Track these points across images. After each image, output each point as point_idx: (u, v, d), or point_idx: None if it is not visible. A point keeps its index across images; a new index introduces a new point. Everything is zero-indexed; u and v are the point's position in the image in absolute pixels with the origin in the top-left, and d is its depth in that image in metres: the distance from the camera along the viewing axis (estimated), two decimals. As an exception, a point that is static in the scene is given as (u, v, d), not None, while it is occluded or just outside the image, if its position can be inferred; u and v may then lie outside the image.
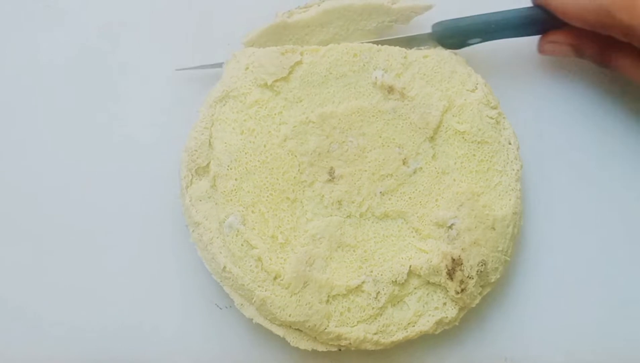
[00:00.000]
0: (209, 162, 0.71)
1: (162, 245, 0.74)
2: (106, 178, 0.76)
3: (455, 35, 0.74)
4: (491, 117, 0.73)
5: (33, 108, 0.77)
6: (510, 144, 0.73)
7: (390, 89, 0.72)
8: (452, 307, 0.70)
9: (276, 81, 0.72)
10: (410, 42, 0.75)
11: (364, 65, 0.73)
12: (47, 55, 0.78)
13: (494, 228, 0.70)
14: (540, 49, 0.75)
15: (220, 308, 0.73)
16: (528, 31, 0.75)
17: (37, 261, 0.74)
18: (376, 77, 0.72)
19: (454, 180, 0.71)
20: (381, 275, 0.69)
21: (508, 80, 0.78)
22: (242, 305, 0.70)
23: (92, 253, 0.74)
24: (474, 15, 0.74)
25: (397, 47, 0.73)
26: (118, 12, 0.79)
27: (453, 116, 0.72)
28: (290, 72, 0.72)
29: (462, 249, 0.69)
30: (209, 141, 0.71)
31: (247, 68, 0.73)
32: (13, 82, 0.78)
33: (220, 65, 0.75)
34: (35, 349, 0.73)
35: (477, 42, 0.75)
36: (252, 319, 0.70)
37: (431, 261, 0.69)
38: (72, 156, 0.76)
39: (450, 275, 0.69)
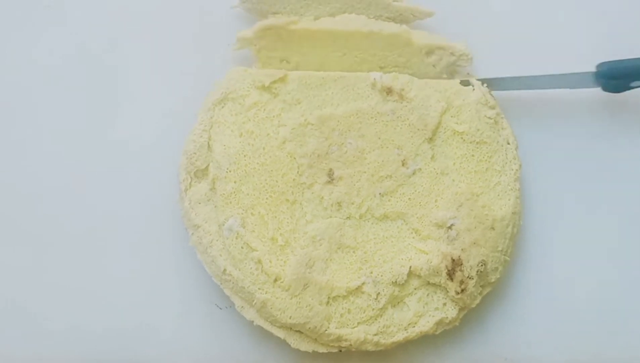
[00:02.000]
0: (208, 165, 0.71)
1: (162, 248, 0.74)
2: (106, 181, 0.75)
3: (620, 77, 0.73)
4: (489, 118, 0.73)
5: (33, 108, 0.77)
6: (508, 144, 0.73)
7: (389, 91, 0.72)
8: (452, 307, 0.70)
9: (274, 82, 0.72)
10: (569, 82, 0.74)
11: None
12: (46, 55, 0.78)
13: (493, 228, 0.70)
14: None
15: (221, 309, 0.73)
16: None
17: (37, 263, 0.74)
18: (375, 79, 0.72)
19: (453, 181, 0.71)
20: (381, 276, 0.69)
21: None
22: (242, 307, 0.70)
23: (92, 255, 0.74)
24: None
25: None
26: (118, 12, 0.79)
27: (451, 116, 0.72)
28: (287, 74, 0.72)
29: (462, 249, 0.69)
30: (208, 143, 0.71)
31: (246, 70, 0.73)
32: (13, 82, 0.78)
33: None
34: (36, 349, 0.73)
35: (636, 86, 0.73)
36: (252, 321, 0.70)
37: (431, 262, 0.69)
38: (72, 157, 0.76)
39: (450, 275, 0.69)
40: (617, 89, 0.74)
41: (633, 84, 0.73)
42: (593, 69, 0.73)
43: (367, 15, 0.75)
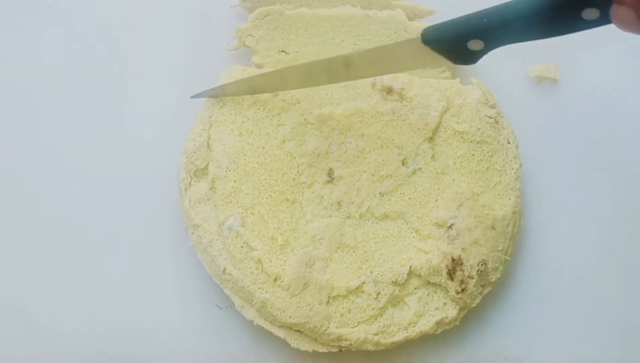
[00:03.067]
0: (208, 164, 0.71)
1: (162, 247, 0.74)
2: (105, 180, 0.75)
3: (449, 39, 0.62)
4: (490, 117, 0.73)
5: (33, 108, 0.77)
6: (509, 143, 0.73)
7: (389, 90, 0.72)
8: (453, 307, 0.70)
9: None
10: (400, 57, 0.65)
11: None
12: (47, 55, 0.78)
13: (493, 228, 0.70)
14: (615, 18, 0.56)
15: (221, 308, 0.73)
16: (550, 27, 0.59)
17: (37, 262, 0.74)
18: (374, 79, 0.72)
19: (454, 180, 0.71)
20: (381, 275, 0.69)
21: (509, 82, 0.77)
22: (242, 306, 0.70)
23: (92, 254, 0.74)
24: (471, 13, 0.61)
25: None
26: (118, 12, 0.79)
27: (452, 116, 0.72)
28: None
29: (462, 249, 0.69)
30: (207, 142, 0.71)
31: (245, 70, 0.73)
32: (13, 82, 0.78)
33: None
34: (36, 350, 0.73)
35: (480, 49, 0.62)
36: (252, 321, 0.70)
37: (431, 262, 0.69)
38: (72, 157, 0.76)
39: (451, 274, 0.69)
40: (460, 56, 0.62)
41: (471, 45, 0.61)
42: None
43: (369, 8, 0.76)
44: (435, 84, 0.73)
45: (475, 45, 0.61)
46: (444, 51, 0.62)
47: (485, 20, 0.58)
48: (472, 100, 0.73)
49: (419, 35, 0.62)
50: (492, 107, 0.73)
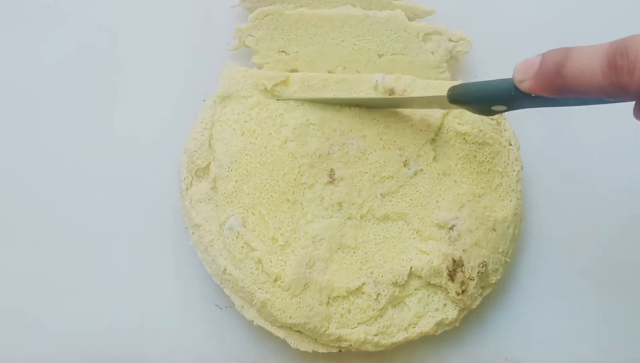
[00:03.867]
0: (209, 163, 0.71)
1: (162, 247, 0.74)
2: (106, 180, 0.75)
3: (473, 102, 0.64)
4: (492, 119, 0.73)
5: (33, 108, 0.77)
6: (511, 145, 0.73)
7: (391, 92, 0.72)
8: (453, 308, 0.70)
9: (276, 85, 0.72)
10: (426, 104, 0.70)
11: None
12: (47, 55, 0.78)
13: (494, 230, 0.70)
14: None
15: (221, 309, 0.73)
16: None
17: (37, 262, 0.74)
18: (377, 81, 0.72)
19: (455, 181, 0.71)
20: (382, 276, 0.69)
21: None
22: (242, 307, 0.70)
23: (92, 254, 0.74)
24: (498, 79, 0.63)
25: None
26: (118, 12, 0.79)
27: (454, 117, 0.72)
28: (289, 76, 0.72)
29: (463, 250, 0.69)
30: (209, 142, 0.71)
31: (247, 71, 0.73)
32: (13, 81, 0.77)
33: None
34: (36, 350, 0.73)
35: (502, 110, 0.64)
36: (252, 321, 0.70)
37: (432, 263, 0.69)
38: (72, 157, 0.76)
39: (451, 276, 0.69)
40: (484, 112, 0.65)
41: (494, 108, 0.64)
42: None
43: (371, 8, 0.76)
44: (437, 85, 0.73)
45: (498, 108, 0.63)
46: (466, 107, 0.65)
47: (512, 93, 0.60)
48: None
49: (446, 95, 0.65)
50: None
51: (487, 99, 0.63)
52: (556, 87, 0.57)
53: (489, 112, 0.65)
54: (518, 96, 0.60)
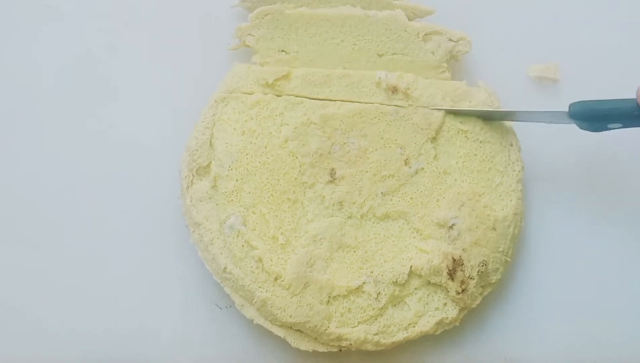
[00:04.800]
0: (210, 162, 0.71)
1: (163, 246, 0.74)
2: (107, 178, 0.75)
3: (592, 119, 0.67)
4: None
5: (34, 108, 0.77)
6: (511, 145, 0.73)
7: (394, 90, 0.72)
8: (453, 308, 0.70)
9: (277, 80, 0.72)
10: (544, 118, 0.72)
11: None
12: (46, 55, 0.78)
13: (494, 229, 0.70)
14: None
15: (221, 308, 0.73)
16: None
17: (38, 262, 0.74)
18: (380, 78, 0.72)
19: (456, 180, 0.71)
20: (382, 275, 0.69)
21: (509, 82, 0.77)
22: (242, 305, 0.70)
23: (92, 254, 0.74)
24: (616, 100, 0.67)
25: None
26: (118, 12, 0.79)
27: (455, 116, 0.72)
28: (290, 71, 0.72)
29: (463, 249, 0.69)
30: (210, 141, 0.71)
31: (249, 67, 0.73)
32: (13, 81, 0.77)
33: None
34: (36, 350, 0.73)
35: (616, 128, 0.68)
36: (252, 320, 0.70)
37: (432, 262, 0.69)
38: (73, 156, 0.76)
39: (451, 275, 0.69)
40: (595, 129, 0.69)
41: (610, 125, 0.68)
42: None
43: (370, 8, 0.76)
44: (440, 84, 0.73)
45: (614, 126, 0.67)
46: (583, 124, 0.68)
47: (636, 113, 0.65)
48: (477, 101, 0.73)
49: (567, 111, 0.68)
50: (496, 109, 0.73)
51: (608, 117, 0.66)
52: None
53: (603, 129, 0.68)
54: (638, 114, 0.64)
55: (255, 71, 0.73)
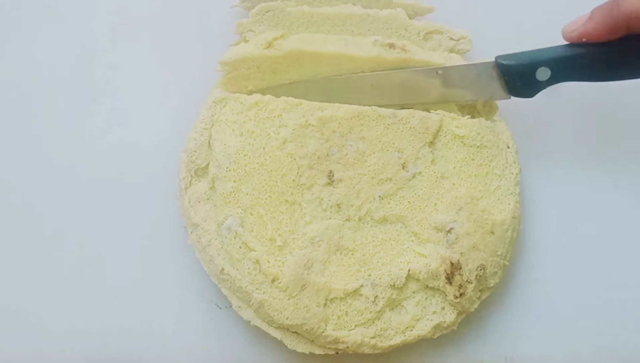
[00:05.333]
0: (208, 163, 0.71)
1: (161, 246, 0.74)
2: (106, 179, 0.75)
3: (521, 67, 0.68)
4: (490, 121, 0.72)
5: (33, 109, 0.77)
6: (508, 148, 0.73)
7: (392, 46, 0.72)
8: (451, 311, 0.70)
9: (275, 39, 0.72)
10: (470, 71, 0.71)
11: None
12: (46, 55, 0.78)
13: (493, 233, 0.70)
14: None
15: (220, 308, 0.73)
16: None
17: (37, 262, 0.74)
18: (376, 40, 0.72)
19: (453, 184, 0.71)
20: (379, 278, 0.69)
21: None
22: (239, 307, 0.70)
23: (91, 254, 0.74)
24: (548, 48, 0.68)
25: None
26: (118, 12, 0.79)
27: (452, 120, 0.72)
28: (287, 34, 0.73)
29: (461, 253, 0.69)
30: (208, 142, 0.71)
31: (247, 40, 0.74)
32: (13, 81, 0.78)
33: None
34: (36, 349, 0.73)
35: (545, 80, 0.68)
36: (249, 321, 0.70)
37: (430, 266, 0.69)
38: (72, 156, 0.76)
39: (449, 279, 0.69)
40: (524, 84, 0.69)
41: (538, 75, 0.68)
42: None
43: (370, 6, 0.76)
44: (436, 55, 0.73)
45: (543, 74, 0.68)
46: (510, 77, 0.69)
47: (559, 50, 0.66)
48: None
49: (494, 59, 0.69)
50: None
51: (533, 62, 0.67)
52: (611, 25, 0.58)
53: (532, 86, 0.68)
54: (564, 55, 0.65)
55: (252, 42, 0.73)
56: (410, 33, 0.74)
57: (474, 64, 0.71)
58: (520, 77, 0.69)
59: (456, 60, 0.72)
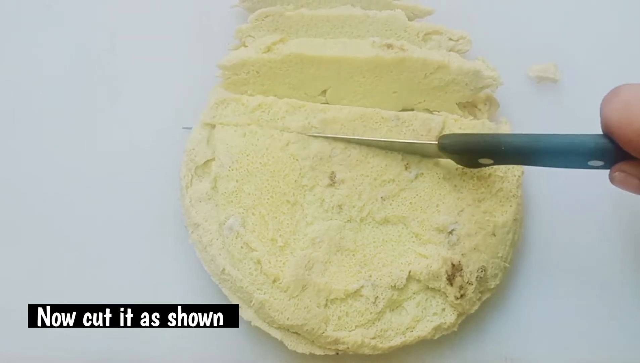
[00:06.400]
0: (207, 161, 0.71)
1: (162, 246, 0.74)
2: (107, 179, 0.75)
3: (464, 152, 0.67)
4: (493, 123, 0.73)
5: (33, 109, 0.77)
6: (511, 150, 0.73)
7: (390, 46, 0.72)
8: (451, 313, 0.70)
9: (274, 43, 0.72)
10: (414, 149, 0.71)
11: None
12: (46, 55, 0.78)
13: (494, 234, 0.70)
14: (611, 178, 0.62)
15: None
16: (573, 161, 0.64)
17: (37, 260, 0.74)
18: (374, 41, 0.72)
19: (455, 186, 0.71)
20: (380, 279, 0.69)
21: (509, 85, 0.77)
22: (240, 307, 0.70)
23: (91, 253, 0.74)
24: (489, 134, 0.68)
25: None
26: (118, 13, 0.79)
27: (455, 121, 0.72)
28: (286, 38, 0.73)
29: (462, 254, 0.69)
30: (207, 139, 0.71)
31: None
32: (12, 81, 0.77)
33: None
34: (36, 350, 0.73)
35: (488, 164, 0.68)
36: (250, 322, 0.70)
37: (431, 267, 0.69)
38: (72, 156, 0.76)
39: (450, 280, 0.69)
40: (467, 164, 0.69)
41: (482, 160, 0.67)
42: None
43: (370, 8, 0.75)
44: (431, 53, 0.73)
45: (485, 161, 0.66)
46: (454, 157, 0.68)
47: (503, 148, 0.64)
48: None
49: (437, 142, 0.68)
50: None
51: (477, 150, 0.66)
52: None
53: (473, 164, 0.68)
54: (508, 152, 0.64)
55: (252, 45, 0.73)
56: (409, 34, 0.74)
57: (420, 143, 0.70)
58: (461, 159, 0.68)
59: (455, 58, 0.72)
